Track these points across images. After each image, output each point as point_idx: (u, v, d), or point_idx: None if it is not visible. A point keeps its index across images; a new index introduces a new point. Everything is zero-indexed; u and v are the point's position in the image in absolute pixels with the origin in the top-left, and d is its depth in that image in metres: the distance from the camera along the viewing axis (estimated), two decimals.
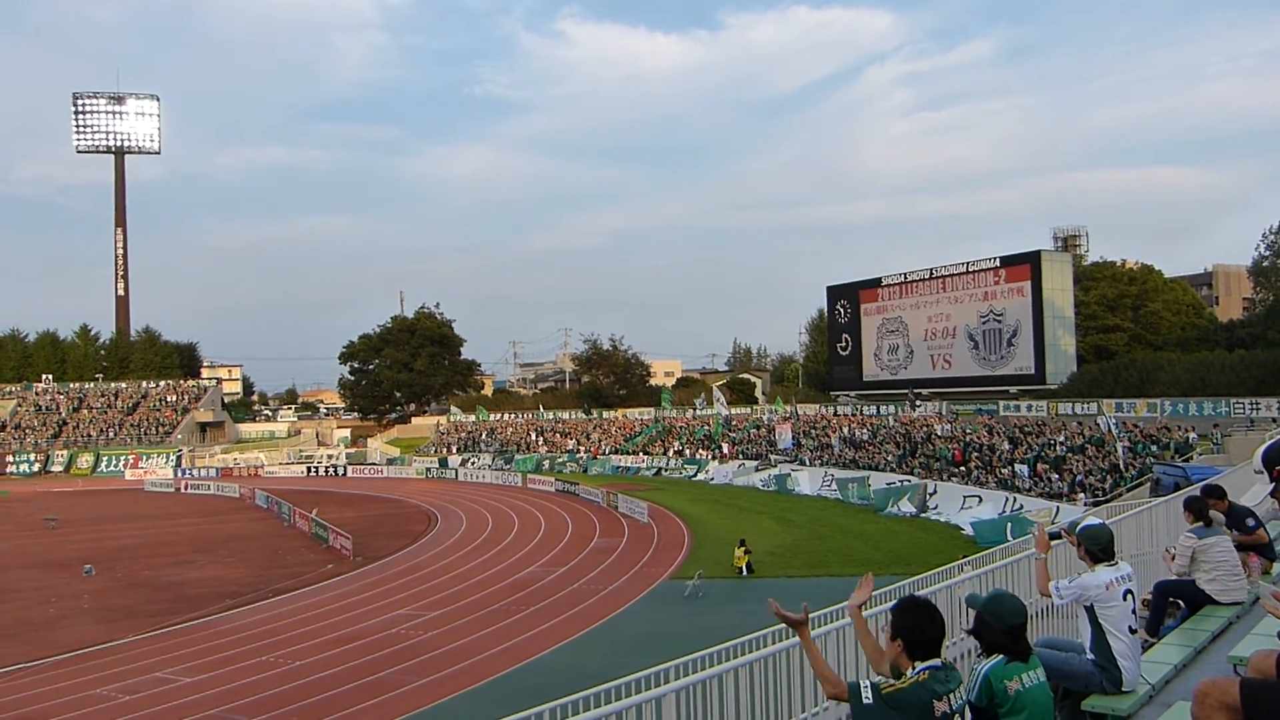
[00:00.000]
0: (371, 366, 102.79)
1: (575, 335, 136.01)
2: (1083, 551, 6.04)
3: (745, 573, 28.37)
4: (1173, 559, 7.87)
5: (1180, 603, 7.60)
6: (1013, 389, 56.66)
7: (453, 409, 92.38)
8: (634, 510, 41.58)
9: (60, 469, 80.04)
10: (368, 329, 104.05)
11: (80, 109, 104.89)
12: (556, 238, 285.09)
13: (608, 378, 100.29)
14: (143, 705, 18.11)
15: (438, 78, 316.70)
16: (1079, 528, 6.21)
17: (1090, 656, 5.71)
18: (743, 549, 29.07)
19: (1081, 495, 33.04)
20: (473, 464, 71.09)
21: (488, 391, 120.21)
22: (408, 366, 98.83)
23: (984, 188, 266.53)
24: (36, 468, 79.96)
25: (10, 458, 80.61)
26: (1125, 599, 5.74)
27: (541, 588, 27.53)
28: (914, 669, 3.94)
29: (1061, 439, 39.77)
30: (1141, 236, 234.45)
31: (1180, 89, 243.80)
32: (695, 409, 71.90)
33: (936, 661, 3.96)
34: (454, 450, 77.79)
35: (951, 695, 3.87)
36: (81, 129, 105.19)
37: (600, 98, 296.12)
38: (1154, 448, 36.39)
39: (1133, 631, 5.76)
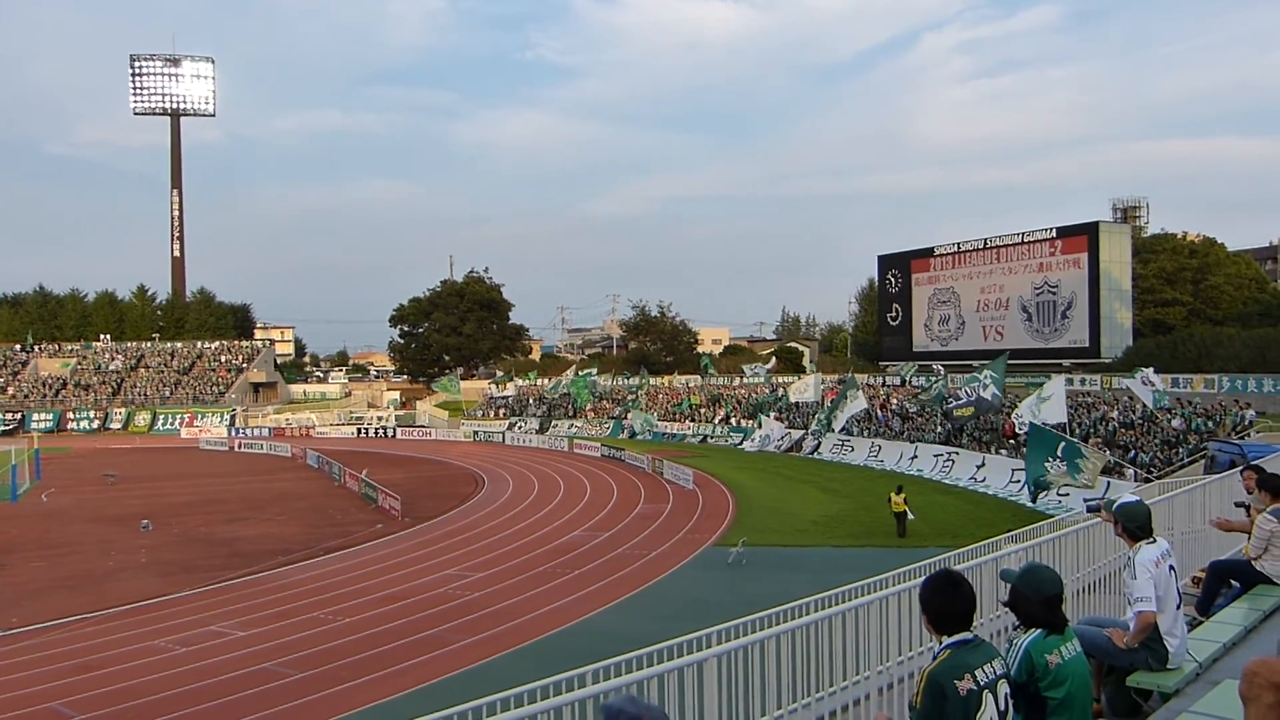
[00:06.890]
0: (421, 330, 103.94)
1: (624, 301, 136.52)
2: (1120, 529, 5.92)
3: (905, 519, 28.46)
4: (1250, 524, 7.55)
5: (1234, 582, 7.44)
6: (1066, 362, 55.75)
7: (498, 373, 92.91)
8: (679, 477, 41.64)
9: (118, 426, 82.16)
10: (418, 293, 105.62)
11: (137, 71, 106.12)
12: (607, 204, 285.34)
13: (655, 344, 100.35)
14: (197, 657, 18.62)
15: (491, 43, 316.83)
16: (1115, 505, 6.06)
17: None
18: (900, 495, 28.91)
19: (1130, 470, 32.44)
20: (519, 428, 71.73)
21: (535, 356, 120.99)
22: (457, 330, 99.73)
23: (1041, 157, 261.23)
24: (96, 425, 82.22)
25: (71, 415, 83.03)
26: (1170, 574, 5.67)
27: (586, 551, 27.77)
28: (940, 644, 3.94)
29: (1115, 414, 39.04)
30: (1205, 209, 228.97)
31: (1252, 56, 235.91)
32: (745, 376, 71.87)
33: (965, 635, 3.90)
34: (501, 414, 78.50)
35: (978, 671, 3.80)
36: (139, 91, 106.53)
37: (653, 64, 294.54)
38: (1209, 424, 35.57)
39: (1176, 607, 5.68)
